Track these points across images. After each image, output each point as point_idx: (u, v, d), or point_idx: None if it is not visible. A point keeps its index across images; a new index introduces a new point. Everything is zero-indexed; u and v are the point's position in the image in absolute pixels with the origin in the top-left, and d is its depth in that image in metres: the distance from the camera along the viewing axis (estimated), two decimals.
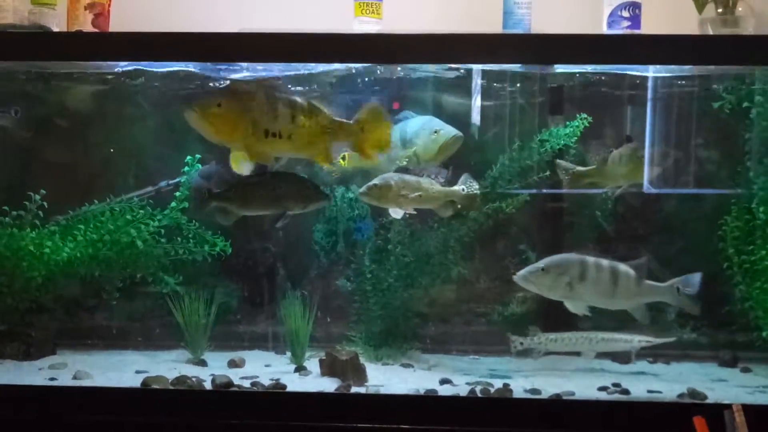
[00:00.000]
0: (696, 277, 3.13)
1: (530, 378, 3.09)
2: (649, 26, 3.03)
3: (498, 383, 3.01)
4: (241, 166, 3.03)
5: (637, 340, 3.22)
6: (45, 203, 3.31)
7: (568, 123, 3.37)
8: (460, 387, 3.01)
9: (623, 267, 3.12)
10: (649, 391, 2.98)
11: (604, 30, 3.02)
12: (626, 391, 2.98)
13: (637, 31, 3.00)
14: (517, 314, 3.41)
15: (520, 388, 2.98)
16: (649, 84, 3.40)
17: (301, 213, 3.25)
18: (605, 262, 3.11)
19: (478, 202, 3.27)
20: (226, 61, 3.10)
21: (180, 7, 3.50)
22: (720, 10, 3.06)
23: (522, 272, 3.11)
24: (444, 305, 3.48)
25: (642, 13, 3.01)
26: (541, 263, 3.12)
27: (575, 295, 3.11)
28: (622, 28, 3.00)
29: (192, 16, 3.49)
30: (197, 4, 3.50)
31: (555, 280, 3.09)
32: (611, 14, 3.01)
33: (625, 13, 3.01)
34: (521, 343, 3.19)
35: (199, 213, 3.33)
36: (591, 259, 3.11)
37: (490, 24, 3.14)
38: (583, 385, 3.02)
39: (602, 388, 3.00)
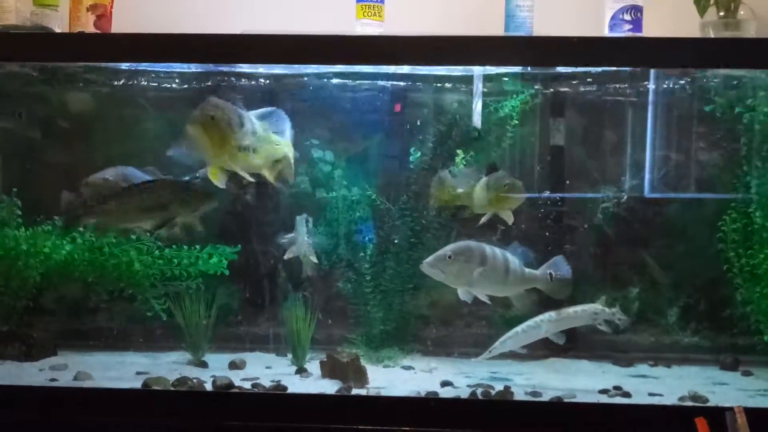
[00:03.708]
0: (563, 262, 3.15)
1: (531, 380, 3.10)
2: (651, 29, 3.03)
3: (499, 385, 3.01)
4: (221, 179, 2.99)
5: (593, 310, 3.13)
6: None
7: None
8: (461, 389, 3.01)
9: (510, 255, 3.11)
10: (651, 394, 2.98)
11: (606, 33, 3.03)
12: (627, 394, 2.97)
13: (638, 34, 3.00)
14: (519, 316, 3.41)
15: (521, 390, 2.98)
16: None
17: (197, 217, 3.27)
18: (498, 250, 3.09)
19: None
20: (228, 63, 3.12)
21: (182, 9, 3.51)
22: (721, 14, 3.08)
23: (429, 259, 3.05)
24: (445, 307, 3.48)
25: (644, 17, 3.01)
26: (447, 250, 3.06)
27: (476, 283, 3.08)
28: (623, 31, 3.00)
29: (194, 17, 3.49)
30: (199, 5, 3.50)
31: (461, 268, 3.05)
32: (613, 17, 3.01)
33: (627, 17, 3.01)
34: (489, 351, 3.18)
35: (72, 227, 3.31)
36: (488, 247, 3.09)
37: (492, 27, 3.15)
38: (585, 387, 3.02)
39: (603, 391, 3.00)
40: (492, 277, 3.08)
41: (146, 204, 3.20)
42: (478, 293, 3.09)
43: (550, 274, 3.13)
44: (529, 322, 3.12)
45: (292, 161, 3.13)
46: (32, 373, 3.13)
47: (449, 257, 3.03)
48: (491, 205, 3.25)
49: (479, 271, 3.04)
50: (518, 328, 3.11)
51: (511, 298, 3.15)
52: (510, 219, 3.23)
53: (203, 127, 2.87)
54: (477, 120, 3.38)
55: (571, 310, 3.12)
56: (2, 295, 3.32)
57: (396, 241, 3.41)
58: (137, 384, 2.99)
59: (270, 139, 3.06)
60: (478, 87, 3.36)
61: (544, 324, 3.11)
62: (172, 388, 2.98)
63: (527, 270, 3.12)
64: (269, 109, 3.09)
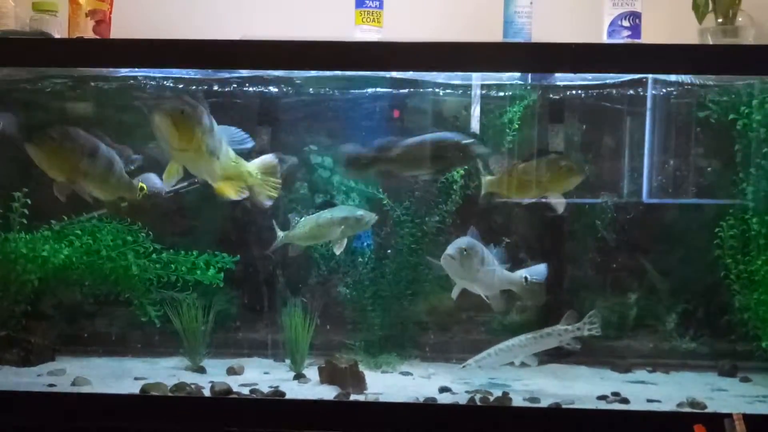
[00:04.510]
0: (541, 267, 3.16)
1: (530, 386, 3.09)
2: (649, 36, 3.03)
3: (497, 391, 3.01)
4: (173, 179, 3.00)
5: (563, 329, 3.11)
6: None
7: None
8: (459, 395, 3.01)
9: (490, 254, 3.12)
10: (649, 400, 2.98)
11: (605, 39, 3.03)
12: (626, 400, 2.97)
13: (637, 41, 3.00)
14: (517, 322, 3.42)
15: (519, 396, 2.98)
16: None
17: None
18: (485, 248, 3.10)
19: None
20: (227, 68, 3.12)
21: (181, 14, 3.51)
22: (720, 20, 3.08)
23: (450, 251, 3.04)
24: (443, 313, 3.48)
25: (642, 23, 3.01)
26: (461, 245, 3.05)
27: (477, 280, 3.08)
28: (622, 38, 3.00)
29: (193, 22, 3.49)
30: (198, 10, 3.51)
31: (469, 263, 3.05)
32: (611, 23, 3.02)
33: (626, 23, 3.01)
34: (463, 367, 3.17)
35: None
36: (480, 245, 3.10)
37: (491, 33, 3.15)
38: (583, 393, 3.03)
39: (601, 397, 3.00)
40: (486, 275, 3.09)
41: None
42: (475, 289, 3.11)
43: (525, 278, 3.14)
44: (501, 346, 3.12)
45: (262, 180, 3.14)
46: (30, 379, 3.13)
47: (464, 251, 3.04)
48: (540, 188, 3.20)
49: (480, 267, 3.05)
50: (491, 350, 3.11)
51: (489, 297, 3.14)
52: (561, 205, 3.19)
53: (172, 119, 2.85)
54: (476, 125, 3.38)
55: (539, 333, 3.12)
56: (0, 300, 3.31)
57: (395, 247, 3.42)
58: (135, 389, 2.98)
59: (231, 155, 3.07)
60: (477, 92, 3.36)
61: (516, 348, 3.11)
62: (170, 394, 2.98)
63: (504, 271, 3.14)
64: (233, 128, 3.09)
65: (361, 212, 3.29)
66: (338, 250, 3.29)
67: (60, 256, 3.29)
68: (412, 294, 3.44)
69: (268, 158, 3.19)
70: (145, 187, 3.23)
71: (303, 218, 3.33)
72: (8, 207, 3.35)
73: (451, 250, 3.05)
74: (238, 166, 3.09)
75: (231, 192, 3.06)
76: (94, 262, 3.34)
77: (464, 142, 3.19)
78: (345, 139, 3.40)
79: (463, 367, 3.14)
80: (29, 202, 3.33)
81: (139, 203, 3.25)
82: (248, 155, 3.15)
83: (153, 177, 3.24)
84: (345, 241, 3.28)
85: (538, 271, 3.17)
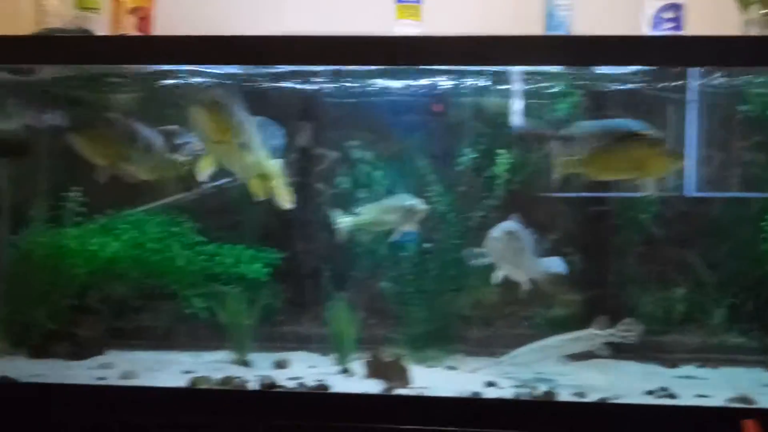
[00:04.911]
0: (559, 260, 3.17)
1: (576, 381, 3.09)
2: (692, 27, 3.01)
3: (543, 386, 3.01)
4: (207, 171, 3.03)
5: (595, 334, 3.11)
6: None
7: None
8: (505, 389, 3.01)
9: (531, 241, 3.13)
10: (697, 396, 2.96)
11: (646, 31, 3.01)
12: (673, 396, 2.96)
13: (679, 33, 2.98)
14: (562, 316, 3.41)
15: (566, 391, 2.97)
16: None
17: None
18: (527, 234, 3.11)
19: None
20: (267, 64, 3.12)
21: (221, 10, 3.53)
22: (764, 11, 3.04)
23: (495, 234, 3.07)
24: (488, 308, 3.48)
25: (684, 15, 2.99)
26: (507, 228, 3.07)
27: (519, 264, 3.10)
28: (664, 30, 2.98)
29: (233, 18, 3.51)
30: (239, 7, 3.52)
31: (515, 247, 3.07)
32: (654, 16, 3.00)
33: (668, 15, 2.99)
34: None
35: None
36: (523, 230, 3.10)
37: (532, 26, 3.14)
38: (630, 388, 3.01)
39: (649, 392, 2.98)
40: (528, 261, 3.11)
41: None
42: (516, 275, 3.12)
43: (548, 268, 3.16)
44: (534, 345, 3.14)
45: (282, 183, 3.15)
46: (80, 372, 3.17)
47: (509, 234, 3.05)
48: (632, 171, 3.14)
49: (523, 252, 3.06)
50: (525, 348, 3.14)
51: (528, 284, 3.15)
52: (651, 188, 3.18)
53: (209, 110, 2.89)
54: (521, 120, 3.37)
55: (573, 335, 3.13)
56: (51, 294, 3.36)
57: (440, 241, 3.42)
58: (183, 383, 3.02)
59: (258, 150, 3.08)
60: (520, 86, 3.35)
61: (549, 349, 3.13)
62: (217, 387, 3.01)
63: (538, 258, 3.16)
64: (262, 118, 3.11)
65: (412, 201, 3.30)
66: (393, 239, 3.32)
67: (108, 249, 3.33)
68: (456, 288, 3.43)
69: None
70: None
71: (359, 208, 3.37)
72: (59, 203, 3.39)
73: (496, 232, 3.07)
74: (267, 164, 3.11)
75: (260, 190, 3.09)
76: (141, 255, 3.38)
77: (641, 130, 3.12)
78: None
79: (498, 363, 3.17)
80: (80, 198, 3.37)
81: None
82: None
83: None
84: (399, 230, 3.31)
85: (557, 263, 3.18)
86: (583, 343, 3.11)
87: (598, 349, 3.10)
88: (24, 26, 3.13)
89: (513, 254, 3.08)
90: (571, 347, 3.12)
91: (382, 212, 3.35)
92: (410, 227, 3.31)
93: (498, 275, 3.16)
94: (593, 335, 3.09)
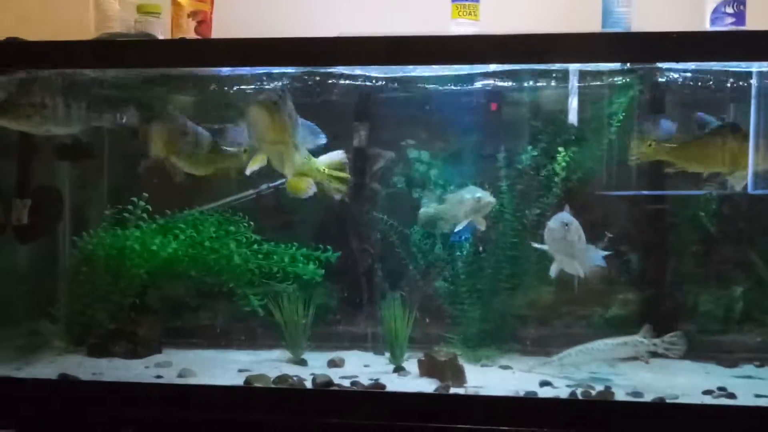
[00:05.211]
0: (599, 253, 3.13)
1: (632, 380, 3.05)
2: (755, 22, 2.94)
3: (599, 386, 2.98)
4: (256, 167, 3.02)
5: (639, 341, 3.07)
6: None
7: None
8: (560, 389, 2.99)
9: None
10: (757, 396, 2.91)
11: (707, 27, 2.96)
12: (732, 395, 2.91)
13: (741, 28, 2.93)
14: (618, 316, 3.37)
15: (621, 390, 2.94)
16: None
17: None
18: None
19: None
20: (326, 66, 3.14)
21: (278, 13, 3.57)
22: None
23: (552, 224, 3.05)
24: (543, 307, 3.46)
25: (747, 9, 2.94)
26: (562, 219, 3.05)
27: (574, 256, 3.06)
28: (726, 25, 2.93)
29: (290, 21, 3.54)
30: (296, 9, 3.56)
31: (571, 238, 3.04)
32: (714, 11, 2.94)
33: (729, 9, 2.93)
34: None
35: None
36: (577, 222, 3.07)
37: (589, 23, 3.11)
38: (688, 388, 2.96)
39: (707, 392, 2.94)
40: (583, 252, 3.08)
41: None
42: (572, 267, 3.09)
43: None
44: (582, 347, 3.11)
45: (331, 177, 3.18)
46: (138, 371, 3.23)
47: (565, 225, 3.03)
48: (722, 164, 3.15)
49: (578, 242, 3.04)
50: (572, 350, 3.12)
51: (584, 276, 3.12)
52: (743, 181, 3.14)
53: (267, 109, 2.91)
54: (575, 117, 3.34)
55: (619, 340, 3.09)
56: (111, 294, 3.43)
57: (495, 240, 3.40)
58: (239, 381, 3.05)
59: (304, 151, 3.11)
60: (575, 83, 3.32)
61: (595, 352, 3.10)
62: (273, 386, 3.03)
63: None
64: (309, 123, 3.12)
65: (480, 193, 3.28)
66: (458, 228, 3.30)
67: (168, 249, 3.38)
68: (511, 287, 3.41)
69: (336, 155, 3.20)
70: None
71: (425, 200, 3.39)
72: (121, 204, 3.46)
73: (552, 223, 3.06)
74: (309, 162, 3.13)
75: (303, 187, 3.11)
76: (198, 254, 3.42)
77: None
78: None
79: (546, 363, 3.16)
80: (141, 199, 3.44)
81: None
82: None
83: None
84: (466, 222, 3.28)
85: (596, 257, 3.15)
86: (629, 348, 3.08)
87: (642, 356, 3.07)
88: (84, 31, 3.18)
89: (568, 245, 3.05)
90: (618, 352, 3.09)
91: (451, 204, 3.35)
92: (478, 221, 3.29)
93: (554, 268, 3.14)
94: (639, 342, 3.06)
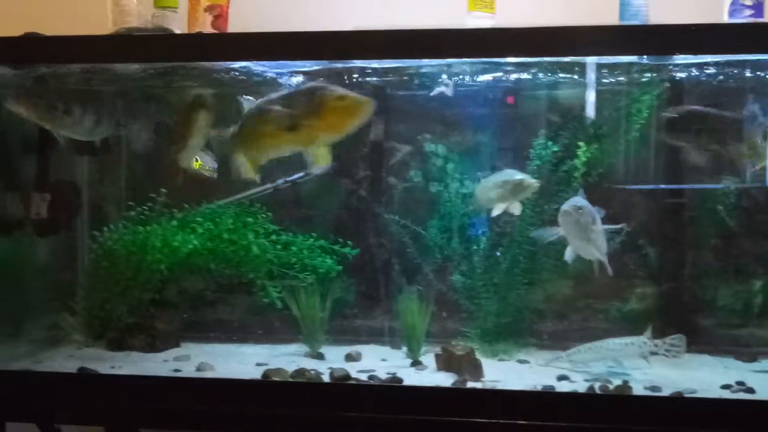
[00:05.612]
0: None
1: (650, 375, 3.04)
2: None
3: (617, 380, 2.97)
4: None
5: (642, 342, 3.07)
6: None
7: None
8: (578, 383, 2.98)
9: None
10: None
11: (725, 19, 2.94)
12: (751, 390, 2.90)
13: (760, 20, 2.90)
14: (636, 311, 3.36)
15: (639, 385, 2.93)
16: None
17: None
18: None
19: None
20: (342, 59, 3.13)
21: (294, 7, 3.57)
22: None
23: (566, 208, 3.02)
24: (560, 301, 3.45)
25: (766, 1, 2.92)
26: (576, 203, 3.03)
27: (589, 241, 3.03)
28: (744, 17, 2.91)
29: (306, 15, 3.55)
30: (311, 3, 3.56)
31: (585, 222, 3.01)
32: (733, 3, 2.93)
33: (748, 2, 2.92)
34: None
35: None
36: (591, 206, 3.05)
37: (606, 16, 3.10)
38: (706, 382, 2.96)
39: (726, 386, 2.93)
40: (598, 236, 3.05)
41: None
42: (588, 252, 3.07)
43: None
44: (591, 345, 3.10)
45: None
46: (157, 364, 3.24)
47: (580, 209, 3.02)
48: None
49: (593, 226, 3.02)
50: (582, 347, 3.12)
51: (601, 263, 3.09)
52: None
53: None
54: (594, 113, 3.33)
55: (625, 340, 3.08)
56: (131, 289, 3.44)
57: (512, 234, 3.39)
58: (257, 375, 3.06)
59: None
60: (593, 78, 3.30)
61: (603, 350, 3.09)
62: (290, 380, 3.04)
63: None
64: None
65: (520, 176, 3.23)
66: (495, 213, 3.25)
67: (189, 245, 3.38)
68: (528, 282, 3.40)
69: None
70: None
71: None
72: (140, 199, 3.46)
73: (567, 206, 3.04)
74: None
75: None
76: (216, 247, 3.42)
77: None
78: None
79: (557, 359, 3.16)
80: (160, 194, 3.45)
81: None
82: None
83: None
84: (503, 206, 3.24)
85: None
86: (635, 348, 3.07)
87: (644, 357, 3.07)
88: (101, 27, 3.20)
89: (582, 229, 3.03)
90: (624, 352, 3.09)
91: (491, 187, 3.29)
92: (517, 204, 3.23)
93: (569, 253, 3.12)
94: (643, 343, 3.06)
